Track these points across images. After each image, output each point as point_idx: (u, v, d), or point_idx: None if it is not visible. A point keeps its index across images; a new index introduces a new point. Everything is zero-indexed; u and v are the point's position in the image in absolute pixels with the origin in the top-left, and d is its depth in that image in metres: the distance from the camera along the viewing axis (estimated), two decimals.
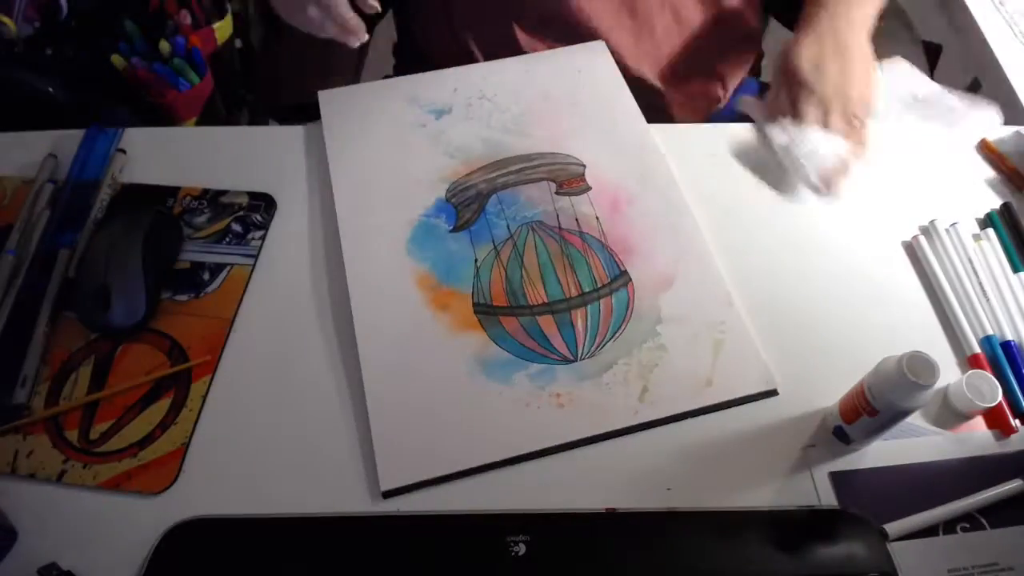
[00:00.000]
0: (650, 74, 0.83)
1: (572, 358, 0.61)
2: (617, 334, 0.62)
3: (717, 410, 0.59)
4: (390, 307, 0.63)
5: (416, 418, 0.57)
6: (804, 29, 0.72)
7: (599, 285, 0.64)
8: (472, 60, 0.82)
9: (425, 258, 0.65)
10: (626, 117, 0.75)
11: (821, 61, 0.69)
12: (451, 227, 0.67)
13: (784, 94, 0.71)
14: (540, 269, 0.65)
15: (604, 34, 0.80)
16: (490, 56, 0.82)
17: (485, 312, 0.63)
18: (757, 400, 0.60)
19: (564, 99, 0.77)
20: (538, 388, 0.59)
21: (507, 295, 0.64)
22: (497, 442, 0.56)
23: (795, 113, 0.70)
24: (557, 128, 0.74)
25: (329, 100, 0.76)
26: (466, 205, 0.69)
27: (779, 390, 0.60)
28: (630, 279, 0.65)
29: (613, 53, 0.80)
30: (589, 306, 0.63)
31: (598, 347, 0.61)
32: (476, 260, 0.65)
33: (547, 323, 0.62)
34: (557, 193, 0.70)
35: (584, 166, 0.72)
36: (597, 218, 0.68)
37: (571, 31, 0.80)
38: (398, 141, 0.73)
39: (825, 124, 0.69)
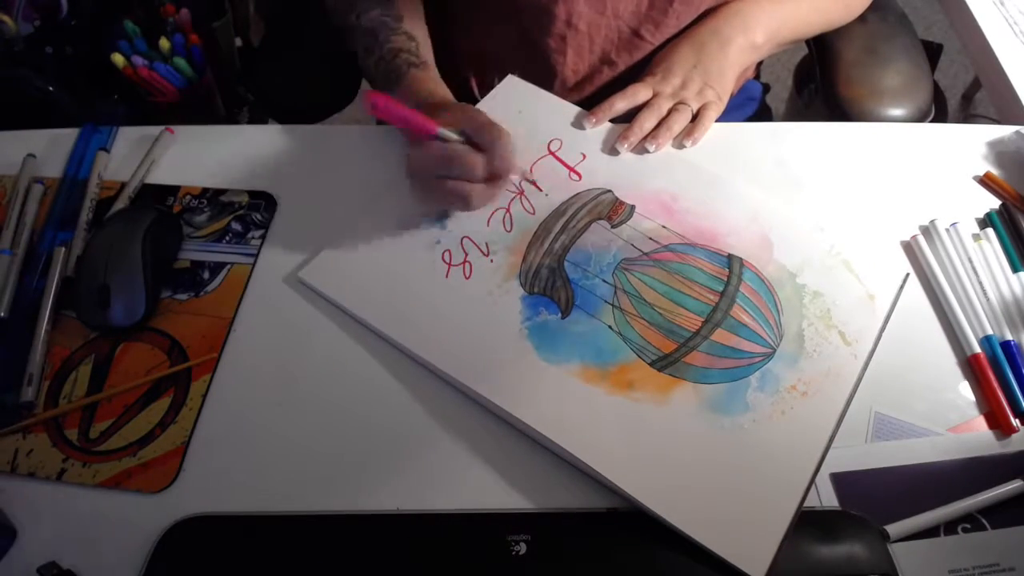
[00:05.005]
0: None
1: (771, 349, 0.60)
2: (779, 306, 0.62)
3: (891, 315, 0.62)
4: (583, 420, 0.56)
5: (707, 496, 0.53)
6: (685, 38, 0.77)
7: (725, 279, 0.63)
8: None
9: (570, 355, 0.59)
10: (595, 131, 0.73)
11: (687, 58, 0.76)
12: (560, 314, 0.61)
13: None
14: (667, 298, 0.62)
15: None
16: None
17: (666, 364, 0.59)
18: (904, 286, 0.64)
19: (534, 144, 0.71)
20: (774, 394, 0.57)
21: (666, 337, 0.60)
22: (794, 466, 0.54)
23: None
24: (556, 173, 0.70)
25: (318, 270, 0.65)
26: (552, 287, 0.62)
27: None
28: (740, 258, 0.64)
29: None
30: (738, 299, 0.62)
31: (777, 326, 0.61)
32: (610, 326, 0.61)
33: (723, 336, 0.60)
34: (613, 228, 0.66)
35: (611, 191, 0.69)
36: (664, 227, 0.66)
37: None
38: (427, 273, 0.64)
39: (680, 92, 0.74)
